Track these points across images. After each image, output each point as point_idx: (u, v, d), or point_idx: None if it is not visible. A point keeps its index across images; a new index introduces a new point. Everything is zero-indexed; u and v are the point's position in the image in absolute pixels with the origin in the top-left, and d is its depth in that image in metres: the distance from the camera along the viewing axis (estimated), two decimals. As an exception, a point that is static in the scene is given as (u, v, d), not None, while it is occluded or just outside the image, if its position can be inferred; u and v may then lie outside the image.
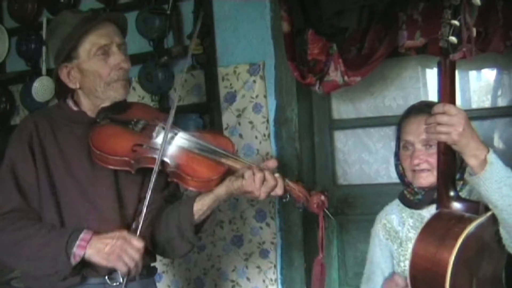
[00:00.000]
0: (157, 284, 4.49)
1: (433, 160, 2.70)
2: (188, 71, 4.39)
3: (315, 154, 4.38)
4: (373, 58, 3.71)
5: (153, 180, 2.62)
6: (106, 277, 2.78)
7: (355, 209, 4.22)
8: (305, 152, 4.26)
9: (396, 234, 2.94)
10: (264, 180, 2.58)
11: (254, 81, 4.22)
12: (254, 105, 4.24)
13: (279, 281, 4.26)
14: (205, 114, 4.41)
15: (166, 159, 2.71)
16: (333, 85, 3.84)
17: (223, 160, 2.70)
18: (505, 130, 3.93)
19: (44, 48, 4.89)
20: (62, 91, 3.02)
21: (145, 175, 2.81)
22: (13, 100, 5.19)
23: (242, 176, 2.60)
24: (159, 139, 2.76)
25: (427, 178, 2.75)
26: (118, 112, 2.88)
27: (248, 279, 4.36)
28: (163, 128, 2.79)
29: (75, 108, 2.93)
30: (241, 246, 4.36)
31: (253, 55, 4.24)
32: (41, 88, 4.80)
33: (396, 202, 2.98)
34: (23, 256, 2.68)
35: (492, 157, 2.28)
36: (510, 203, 2.27)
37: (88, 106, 2.91)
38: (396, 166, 2.96)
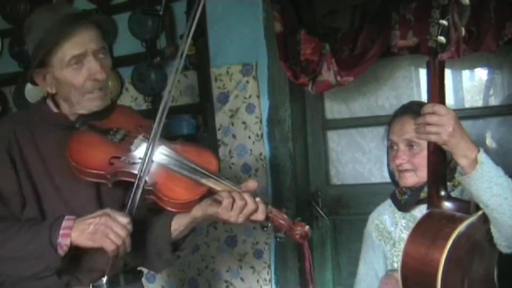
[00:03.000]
0: (151, 285, 4.51)
1: (417, 160, 2.71)
2: (181, 72, 4.38)
3: (308, 154, 4.39)
4: (366, 58, 3.71)
5: (133, 194, 2.46)
6: (91, 286, 2.66)
7: (349, 209, 4.22)
8: (299, 152, 4.27)
9: (389, 234, 2.93)
10: (244, 206, 2.42)
11: (247, 82, 4.23)
12: (247, 106, 4.24)
13: (273, 281, 4.26)
14: (198, 115, 4.41)
15: (145, 176, 2.51)
16: (326, 85, 3.84)
17: (204, 181, 2.48)
18: (497, 130, 3.94)
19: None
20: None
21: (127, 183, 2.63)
22: (6, 101, 5.18)
23: (220, 203, 2.42)
24: (137, 152, 2.58)
25: (410, 178, 2.77)
26: (98, 118, 2.70)
27: (242, 279, 4.36)
28: (143, 140, 2.62)
29: (55, 110, 2.74)
30: (235, 247, 4.36)
31: (246, 56, 4.24)
32: (34, 90, 4.78)
33: (388, 202, 2.98)
34: (8, 259, 2.52)
35: (482, 156, 2.28)
36: (501, 203, 2.27)
37: (67, 110, 2.72)
38: (388, 165, 2.96)
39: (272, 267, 4.26)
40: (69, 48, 2.55)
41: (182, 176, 2.52)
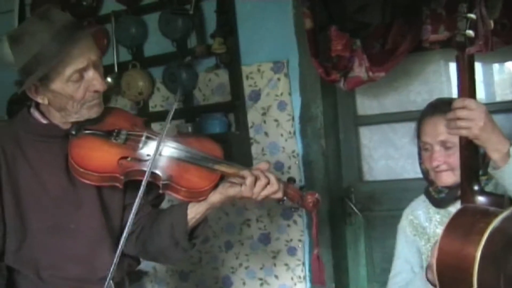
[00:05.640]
0: (184, 283, 4.53)
1: (453, 160, 2.66)
2: (212, 71, 4.41)
3: (340, 151, 4.38)
4: (397, 53, 3.69)
5: (139, 198, 2.42)
6: None
7: (382, 205, 4.21)
8: (331, 149, 4.26)
9: (423, 230, 2.91)
10: (267, 185, 2.50)
11: (279, 79, 4.22)
12: (278, 103, 4.24)
13: (307, 278, 4.26)
14: (230, 113, 4.43)
15: (157, 171, 2.55)
16: (357, 81, 3.83)
17: (216, 167, 2.58)
18: (530, 123, 3.89)
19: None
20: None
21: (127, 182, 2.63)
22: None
23: (241, 183, 2.50)
24: (145, 150, 2.61)
25: (448, 178, 2.73)
26: (93, 123, 2.65)
27: (276, 276, 4.37)
28: (147, 138, 2.64)
29: (44, 121, 2.65)
30: (268, 244, 4.37)
31: (276, 53, 4.24)
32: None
33: (422, 197, 2.96)
34: None
35: (514, 150, 2.26)
36: (535, 195, 2.25)
37: (59, 119, 2.63)
38: (420, 164, 2.93)
39: (306, 264, 4.26)
40: (71, 63, 2.46)
41: (195, 166, 2.59)
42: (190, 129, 4.41)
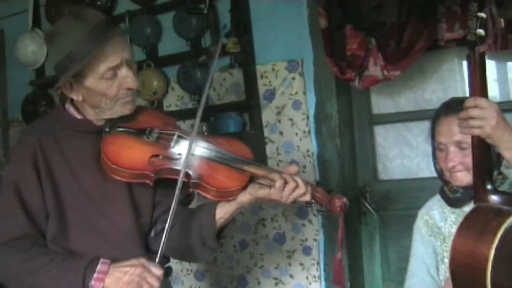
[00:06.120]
0: (200, 282, 4.53)
1: (468, 160, 2.62)
2: (226, 70, 4.42)
3: (355, 150, 4.37)
4: (412, 51, 3.69)
5: (177, 196, 2.49)
6: None
7: (397, 204, 4.20)
8: (346, 148, 4.25)
9: (439, 230, 2.91)
10: (295, 188, 2.54)
11: (293, 78, 4.22)
12: (293, 102, 4.23)
13: (322, 277, 4.25)
14: (244, 112, 4.43)
15: (188, 170, 2.59)
16: (373, 80, 3.82)
17: (246, 168, 2.62)
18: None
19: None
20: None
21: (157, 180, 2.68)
22: (53, 103, 5.19)
23: (270, 185, 2.54)
24: (176, 149, 2.66)
25: (463, 178, 2.71)
26: (126, 121, 2.72)
27: (291, 276, 4.35)
28: (179, 137, 2.70)
29: (78, 116, 2.73)
30: (283, 244, 4.36)
31: (291, 52, 4.24)
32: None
33: (437, 197, 2.95)
34: (39, 286, 2.53)
35: (527, 149, 2.25)
36: (548, 194, 2.24)
37: (93, 116, 2.71)
38: (434, 164, 2.92)
39: (321, 263, 4.25)
40: (104, 60, 2.54)
41: (225, 166, 2.63)
42: (204, 128, 4.41)
